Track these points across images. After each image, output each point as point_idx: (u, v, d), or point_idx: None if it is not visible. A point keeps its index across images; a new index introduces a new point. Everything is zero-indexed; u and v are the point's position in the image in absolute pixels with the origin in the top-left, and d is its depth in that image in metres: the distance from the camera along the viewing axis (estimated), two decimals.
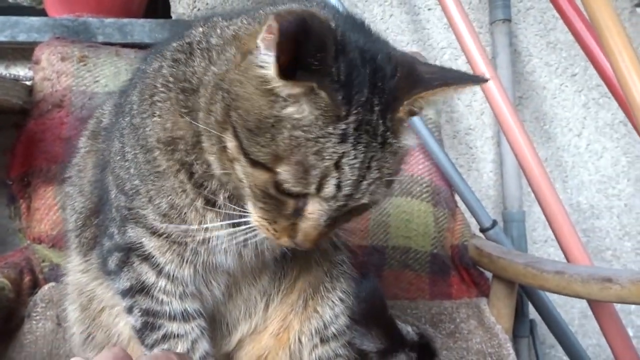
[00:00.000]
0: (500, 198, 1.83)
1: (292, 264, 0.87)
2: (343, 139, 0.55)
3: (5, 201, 1.48)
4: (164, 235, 0.72)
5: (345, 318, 0.88)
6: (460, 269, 1.46)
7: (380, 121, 0.57)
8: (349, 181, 0.57)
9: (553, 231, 1.32)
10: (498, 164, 1.82)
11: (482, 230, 1.49)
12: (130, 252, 0.75)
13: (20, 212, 1.34)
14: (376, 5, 1.76)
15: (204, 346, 0.79)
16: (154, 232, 0.72)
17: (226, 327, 0.87)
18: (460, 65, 1.80)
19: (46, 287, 1.17)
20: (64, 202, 1.02)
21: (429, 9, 1.78)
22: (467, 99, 1.81)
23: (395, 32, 1.77)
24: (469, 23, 1.39)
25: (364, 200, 0.59)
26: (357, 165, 0.56)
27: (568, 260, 1.30)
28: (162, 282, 0.75)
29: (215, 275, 0.79)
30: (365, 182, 0.58)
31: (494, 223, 1.47)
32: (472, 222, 1.54)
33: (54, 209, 1.30)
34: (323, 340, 0.87)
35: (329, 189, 0.56)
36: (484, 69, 1.36)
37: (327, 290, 0.87)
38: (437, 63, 1.79)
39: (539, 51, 1.82)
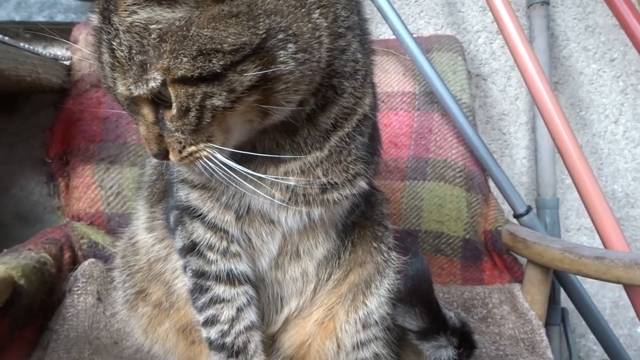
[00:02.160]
0: (533, 185, 1.81)
1: (347, 256, 0.88)
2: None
3: (44, 179, 1.52)
4: (200, 185, 0.76)
5: (388, 306, 0.89)
6: (493, 255, 1.45)
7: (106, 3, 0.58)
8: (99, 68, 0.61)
9: (591, 217, 1.30)
10: (532, 150, 1.79)
11: (516, 216, 1.47)
12: (182, 212, 0.79)
13: (59, 190, 1.37)
14: None
15: (250, 316, 0.81)
16: (194, 186, 0.76)
17: (279, 301, 0.88)
18: (495, 49, 1.77)
19: (86, 263, 1.20)
20: (142, 160, 1.08)
21: None
22: (502, 84, 1.78)
23: (430, 15, 1.74)
24: (508, 5, 1.36)
25: (120, 90, 0.59)
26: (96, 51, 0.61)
27: (605, 247, 1.28)
28: (207, 236, 0.78)
29: (258, 229, 0.79)
30: (106, 67, 0.59)
31: (529, 209, 1.45)
32: (505, 208, 1.52)
33: (92, 187, 1.32)
34: (365, 326, 0.88)
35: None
36: (523, 52, 1.34)
37: (377, 287, 0.88)
38: (472, 46, 1.76)
39: (576, 35, 1.78)
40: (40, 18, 1.44)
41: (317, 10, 0.60)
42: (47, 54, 1.31)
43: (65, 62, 1.39)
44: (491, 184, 1.53)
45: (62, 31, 1.52)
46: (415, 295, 0.89)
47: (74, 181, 1.34)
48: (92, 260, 1.21)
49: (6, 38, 1.02)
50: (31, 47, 1.19)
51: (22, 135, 1.54)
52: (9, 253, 1.08)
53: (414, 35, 1.46)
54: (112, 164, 1.34)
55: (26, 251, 1.10)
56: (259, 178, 0.66)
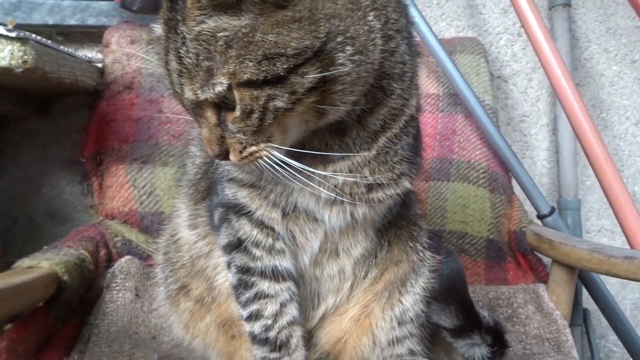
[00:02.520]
0: (553, 186, 1.82)
1: (383, 255, 0.90)
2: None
3: (75, 179, 1.56)
4: (248, 184, 0.78)
5: (423, 303, 0.91)
6: (517, 255, 1.46)
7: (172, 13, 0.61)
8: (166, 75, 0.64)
9: (617, 217, 1.31)
10: (552, 151, 1.81)
11: (540, 216, 1.49)
12: (228, 209, 0.82)
13: (92, 189, 1.40)
14: None
15: (292, 311, 0.83)
16: (243, 184, 0.79)
17: (316, 297, 0.90)
18: (516, 50, 1.78)
19: (123, 260, 1.23)
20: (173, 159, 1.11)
21: None
22: (523, 86, 1.79)
23: (452, 17, 1.76)
24: (533, 5, 1.38)
25: (187, 95, 0.61)
26: (163, 59, 0.63)
27: (631, 247, 1.29)
28: (254, 233, 0.81)
29: (303, 227, 0.82)
30: (173, 74, 0.62)
31: (552, 210, 1.46)
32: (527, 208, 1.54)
33: (125, 186, 1.35)
34: (400, 323, 0.90)
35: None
36: (548, 53, 1.35)
37: (412, 285, 0.90)
38: (493, 48, 1.78)
39: (597, 37, 1.79)
40: (72, 21, 1.48)
41: (372, 13, 0.62)
42: (83, 57, 1.34)
43: (98, 65, 1.42)
44: (514, 185, 1.55)
45: (93, 34, 1.56)
46: (450, 293, 0.91)
47: (107, 180, 1.37)
48: (128, 257, 1.24)
49: (49, 42, 1.05)
50: (69, 50, 1.22)
51: (54, 136, 1.58)
52: (49, 250, 1.11)
53: None
54: (144, 163, 1.37)
55: (65, 248, 1.13)
56: (309, 176, 0.69)
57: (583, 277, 1.46)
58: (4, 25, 0.98)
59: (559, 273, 1.30)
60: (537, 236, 1.38)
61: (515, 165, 1.48)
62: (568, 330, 1.24)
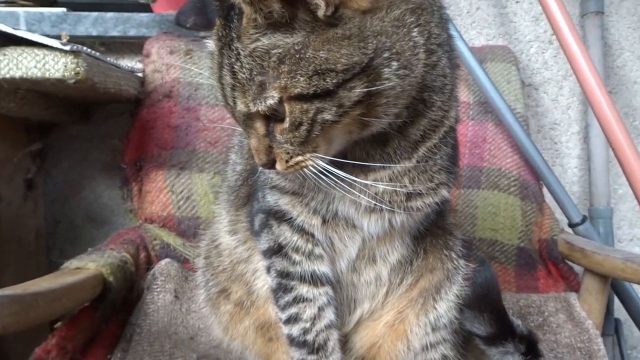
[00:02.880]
0: (584, 194, 1.81)
1: (419, 263, 0.92)
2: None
3: (115, 183, 1.62)
4: (290, 191, 0.81)
5: (456, 310, 0.93)
6: (548, 263, 1.46)
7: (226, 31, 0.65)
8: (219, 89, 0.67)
9: None
10: (583, 159, 1.80)
11: (572, 225, 1.49)
12: (269, 216, 0.85)
13: (132, 194, 1.46)
14: None
15: (329, 315, 0.86)
16: (285, 192, 0.82)
17: (353, 302, 0.93)
18: (547, 58, 1.78)
19: (163, 262, 1.27)
20: (225, 167, 1.16)
21: (517, 2, 1.77)
22: (554, 93, 1.79)
23: (482, 25, 1.77)
24: (566, 13, 1.38)
25: (239, 107, 0.65)
26: (216, 73, 0.67)
27: None
28: (294, 238, 0.83)
29: (341, 234, 0.84)
30: (226, 88, 0.65)
31: (584, 218, 1.46)
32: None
33: (163, 191, 1.40)
34: (434, 329, 0.92)
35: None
36: (580, 60, 1.35)
37: (446, 292, 0.92)
38: (524, 56, 1.78)
39: (630, 44, 1.78)
40: (114, 33, 1.54)
41: (416, 29, 0.64)
42: (126, 67, 1.40)
43: (138, 74, 1.48)
44: (545, 193, 1.55)
45: (133, 45, 1.62)
46: (484, 301, 0.92)
47: (147, 186, 1.42)
48: (168, 260, 1.29)
49: (97, 54, 1.10)
50: (113, 61, 1.28)
51: (95, 142, 1.64)
52: (94, 252, 1.17)
53: None
54: (182, 170, 1.42)
55: (109, 250, 1.18)
56: (351, 184, 0.72)
57: (615, 287, 1.45)
58: (58, 38, 1.03)
59: (591, 282, 1.30)
60: (568, 245, 1.38)
61: (547, 173, 1.48)
62: (600, 339, 1.24)
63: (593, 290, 1.30)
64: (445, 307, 0.92)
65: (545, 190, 1.55)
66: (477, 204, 1.51)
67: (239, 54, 0.62)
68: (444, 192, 0.79)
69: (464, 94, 1.59)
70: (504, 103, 1.48)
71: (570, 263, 1.42)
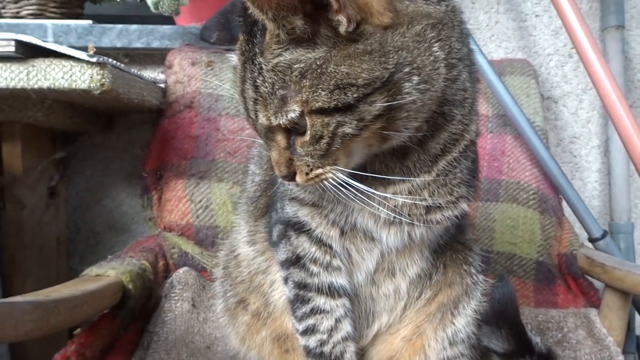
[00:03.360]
0: (605, 209, 1.79)
1: (439, 277, 0.92)
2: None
3: (136, 192, 1.65)
4: (310, 203, 0.82)
5: (474, 325, 0.92)
6: (568, 278, 1.44)
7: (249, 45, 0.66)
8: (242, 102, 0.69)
9: None
10: (604, 173, 1.78)
11: (592, 240, 1.47)
12: (288, 227, 0.85)
13: (152, 203, 1.48)
14: (482, 12, 1.77)
15: (346, 327, 0.86)
16: (304, 203, 0.82)
17: (371, 315, 0.93)
18: (566, 72, 1.77)
19: (181, 271, 1.29)
20: (244, 177, 1.19)
21: (537, 16, 1.77)
22: (573, 107, 1.78)
23: (501, 38, 1.77)
24: (586, 27, 1.37)
25: (261, 120, 0.66)
26: (239, 87, 0.68)
27: None
28: (312, 250, 0.84)
29: (359, 246, 0.84)
30: (249, 101, 0.66)
31: (605, 233, 1.44)
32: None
33: (183, 200, 1.42)
34: (452, 344, 0.91)
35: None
36: (601, 74, 1.35)
37: (464, 307, 0.92)
38: (543, 69, 1.78)
39: None
40: (138, 44, 1.57)
41: (437, 44, 0.65)
42: (148, 78, 1.43)
43: (161, 85, 1.51)
44: (564, 207, 1.53)
45: (156, 56, 1.65)
46: (502, 317, 0.91)
47: (166, 194, 1.44)
48: (186, 268, 1.30)
49: (122, 65, 1.13)
50: (136, 72, 1.30)
51: (116, 150, 1.67)
52: (114, 259, 1.18)
53: None
54: (201, 179, 1.44)
55: (128, 258, 1.20)
56: (370, 197, 0.72)
57: (636, 303, 1.43)
58: (84, 50, 1.06)
59: (612, 298, 1.28)
60: (588, 259, 1.36)
61: (566, 187, 1.47)
62: (622, 357, 1.21)
63: (614, 306, 1.28)
64: (463, 322, 0.91)
65: (564, 204, 1.53)
66: (496, 217, 1.50)
67: (261, 68, 0.63)
68: (464, 206, 0.79)
69: (482, 107, 1.59)
70: (523, 116, 1.47)
71: (590, 278, 1.40)
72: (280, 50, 0.62)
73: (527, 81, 1.61)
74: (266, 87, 0.63)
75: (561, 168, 1.48)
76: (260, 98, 0.64)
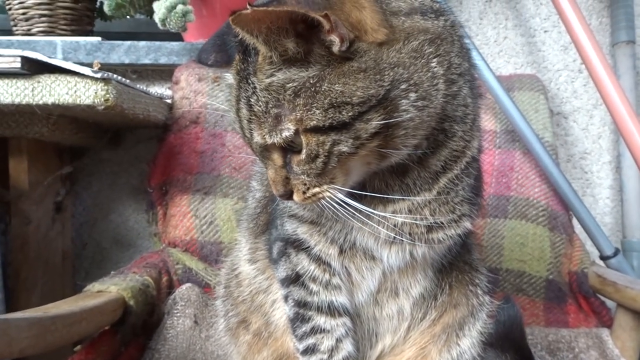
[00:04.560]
0: (617, 226, 1.75)
1: (444, 298, 0.90)
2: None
3: (142, 207, 1.65)
4: (309, 220, 0.80)
5: (479, 347, 0.90)
6: (579, 297, 1.41)
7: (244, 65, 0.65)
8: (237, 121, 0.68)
9: None
10: (616, 190, 1.75)
11: (603, 258, 1.44)
12: (287, 244, 0.84)
13: (157, 218, 1.47)
14: (490, 28, 1.76)
15: (347, 347, 0.84)
16: (303, 220, 0.81)
17: (374, 336, 0.90)
18: (576, 87, 1.76)
19: (184, 287, 1.28)
20: (247, 193, 1.17)
21: (545, 31, 1.75)
22: (584, 123, 1.76)
23: (510, 54, 1.76)
24: (596, 43, 1.36)
25: (256, 139, 0.65)
26: (234, 106, 0.67)
27: None
28: (311, 268, 0.82)
29: (359, 265, 0.82)
30: (243, 120, 0.65)
31: (617, 251, 1.41)
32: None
33: (187, 216, 1.41)
34: None
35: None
36: (611, 90, 1.33)
37: (470, 329, 0.89)
38: (553, 85, 1.76)
39: None
40: (146, 60, 1.58)
41: (435, 60, 0.64)
42: (155, 93, 1.43)
43: (167, 100, 1.51)
44: (575, 224, 1.50)
45: (164, 72, 1.67)
46: (507, 340, 0.89)
47: (171, 210, 1.44)
48: (189, 284, 1.29)
49: (127, 81, 1.14)
50: (143, 87, 1.31)
51: (123, 166, 1.68)
52: (117, 275, 1.18)
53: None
54: (206, 194, 1.43)
55: (131, 274, 1.20)
56: (369, 216, 0.71)
57: None
58: (90, 66, 1.07)
59: (624, 318, 1.25)
60: (600, 278, 1.33)
61: (577, 204, 1.44)
62: None
63: (627, 326, 1.25)
64: (468, 344, 0.89)
65: (575, 221, 1.50)
66: (504, 233, 1.47)
67: (255, 87, 0.63)
68: (466, 224, 0.77)
69: (490, 122, 1.57)
70: (532, 132, 1.45)
71: (602, 297, 1.37)
72: (273, 70, 0.61)
73: (536, 96, 1.59)
74: (260, 106, 0.62)
75: (571, 184, 1.46)
76: (254, 117, 0.64)
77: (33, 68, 1.07)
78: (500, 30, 1.76)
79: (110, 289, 1.07)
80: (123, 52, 1.57)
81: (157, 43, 1.59)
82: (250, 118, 0.64)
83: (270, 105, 0.62)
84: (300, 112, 0.60)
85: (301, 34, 0.59)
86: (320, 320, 0.83)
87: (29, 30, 1.63)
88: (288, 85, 0.61)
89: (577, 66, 1.75)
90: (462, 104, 0.71)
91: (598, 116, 1.75)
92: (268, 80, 0.62)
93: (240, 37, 0.61)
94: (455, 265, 0.90)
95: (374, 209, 0.71)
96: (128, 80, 1.15)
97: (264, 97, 0.62)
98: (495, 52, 1.76)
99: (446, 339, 0.89)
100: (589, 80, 1.73)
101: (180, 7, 1.40)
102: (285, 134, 0.62)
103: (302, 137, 0.62)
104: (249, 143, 0.68)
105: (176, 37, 1.65)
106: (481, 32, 1.76)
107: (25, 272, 1.36)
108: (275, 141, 0.63)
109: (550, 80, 1.76)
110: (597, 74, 1.35)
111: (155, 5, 1.43)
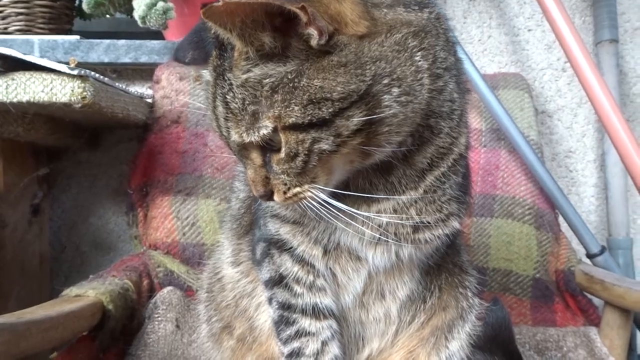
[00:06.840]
0: (602, 224, 1.75)
1: (432, 301, 0.88)
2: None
3: (121, 209, 1.61)
4: (291, 220, 0.78)
5: (468, 349, 0.88)
6: (566, 296, 1.40)
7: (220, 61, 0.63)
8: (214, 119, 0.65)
9: None
10: (600, 188, 1.75)
11: (590, 256, 1.43)
12: (270, 245, 0.82)
13: (137, 220, 1.44)
14: (474, 27, 1.76)
15: (333, 350, 0.81)
16: (286, 221, 0.79)
17: (361, 340, 0.88)
18: (560, 86, 1.76)
19: (165, 290, 1.24)
20: (231, 194, 1.14)
21: (529, 30, 1.76)
22: (568, 121, 1.76)
23: (494, 53, 1.76)
24: (580, 41, 1.36)
25: (233, 138, 0.62)
26: (211, 103, 0.65)
27: None
28: (295, 269, 0.80)
29: (344, 266, 0.80)
30: (220, 118, 0.63)
31: (603, 249, 1.41)
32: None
33: (169, 217, 1.38)
34: None
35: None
36: (597, 88, 1.33)
37: (459, 332, 0.88)
38: (537, 84, 1.76)
39: None
40: (126, 59, 1.55)
41: (419, 53, 0.62)
42: (135, 92, 1.40)
43: (148, 100, 1.48)
44: (561, 222, 1.50)
45: (144, 71, 1.63)
46: (495, 343, 0.88)
47: (152, 211, 1.40)
48: (170, 288, 1.26)
49: (106, 79, 1.10)
50: (122, 86, 1.28)
51: (103, 167, 1.64)
52: (95, 279, 1.14)
53: None
54: (188, 195, 1.40)
55: (110, 277, 1.16)
56: (352, 216, 0.68)
57: (638, 321, 1.39)
58: (67, 64, 1.03)
59: (612, 316, 1.24)
60: (587, 276, 1.32)
61: (563, 202, 1.44)
62: None
63: (614, 324, 1.24)
64: (457, 346, 0.87)
65: (561, 219, 1.50)
66: (491, 232, 1.46)
67: (231, 84, 0.60)
68: (454, 224, 0.75)
69: (475, 121, 1.56)
70: (517, 130, 1.45)
71: (589, 296, 1.36)
72: (249, 66, 0.59)
73: (521, 95, 1.59)
74: (237, 104, 0.60)
75: (557, 182, 1.45)
76: (231, 115, 0.61)
77: (7, 65, 1.03)
78: (484, 29, 1.76)
79: (88, 293, 1.04)
80: (102, 50, 1.53)
81: (138, 42, 1.55)
82: (227, 116, 0.62)
83: (247, 102, 0.59)
84: (279, 108, 0.58)
85: (278, 27, 0.56)
86: (305, 322, 0.81)
87: (5, 28, 1.59)
88: (265, 81, 0.58)
89: (561, 65, 1.75)
90: (448, 99, 0.69)
91: (582, 114, 1.76)
92: (244, 77, 0.59)
93: (214, 31, 0.59)
94: (444, 267, 0.88)
95: (358, 209, 0.69)
96: (106, 78, 1.11)
97: (240, 93, 0.59)
98: (479, 51, 1.76)
99: (435, 342, 0.87)
100: (573, 78, 1.73)
101: (160, 4, 1.37)
102: (263, 131, 0.59)
103: (280, 134, 0.59)
104: (226, 142, 0.66)
105: (157, 36, 1.61)
106: (465, 30, 1.75)
107: (1, 277, 1.31)
108: (253, 139, 0.60)
109: (535, 79, 1.76)
110: (582, 72, 1.35)
111: (135, 3, 1.39)
